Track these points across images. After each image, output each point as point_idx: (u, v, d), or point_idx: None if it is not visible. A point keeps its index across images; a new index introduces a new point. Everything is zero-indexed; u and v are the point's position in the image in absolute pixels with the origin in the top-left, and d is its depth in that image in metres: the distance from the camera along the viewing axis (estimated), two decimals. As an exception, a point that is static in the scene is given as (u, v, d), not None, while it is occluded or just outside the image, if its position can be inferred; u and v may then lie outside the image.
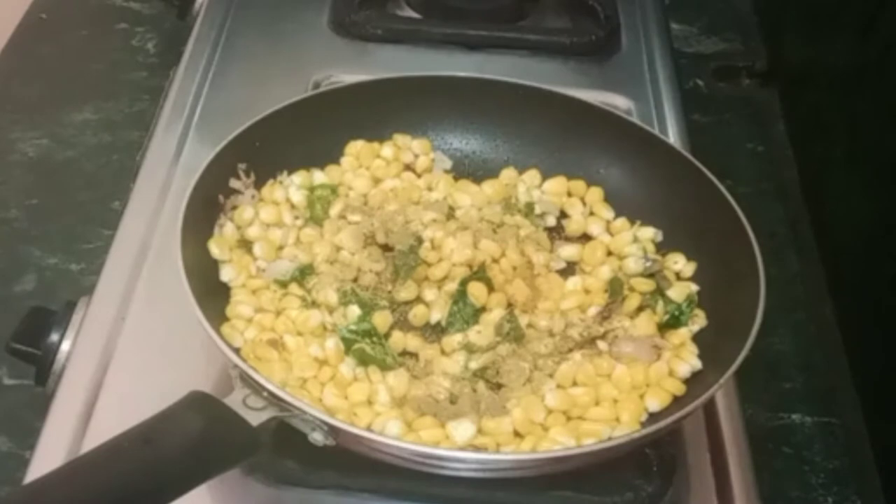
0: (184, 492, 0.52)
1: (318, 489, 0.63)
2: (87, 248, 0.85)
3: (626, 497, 0.64)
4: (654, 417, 0.63)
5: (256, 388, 0.57)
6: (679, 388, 0.64)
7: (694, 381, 0.64)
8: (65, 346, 0.69)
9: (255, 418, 0.56)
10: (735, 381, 0.70)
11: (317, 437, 0.57)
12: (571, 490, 0.64)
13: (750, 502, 0.65)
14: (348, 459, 0.59)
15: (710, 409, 0.69)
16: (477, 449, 0.60)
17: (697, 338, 0.67)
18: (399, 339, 0.67)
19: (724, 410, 0.69)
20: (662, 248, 0.73)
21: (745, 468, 0.66)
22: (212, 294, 0.66)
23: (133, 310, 0.71)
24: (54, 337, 0.70)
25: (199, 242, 0.68)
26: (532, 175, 0.77)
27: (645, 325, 0.67)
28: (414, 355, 0.67)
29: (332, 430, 0.56)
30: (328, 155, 0.77)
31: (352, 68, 0.89)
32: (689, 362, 0.65)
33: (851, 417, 0.79)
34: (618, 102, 0.89)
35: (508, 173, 0.78)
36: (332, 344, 0.64)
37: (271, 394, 0.56)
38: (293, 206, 0.73)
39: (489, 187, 0.77)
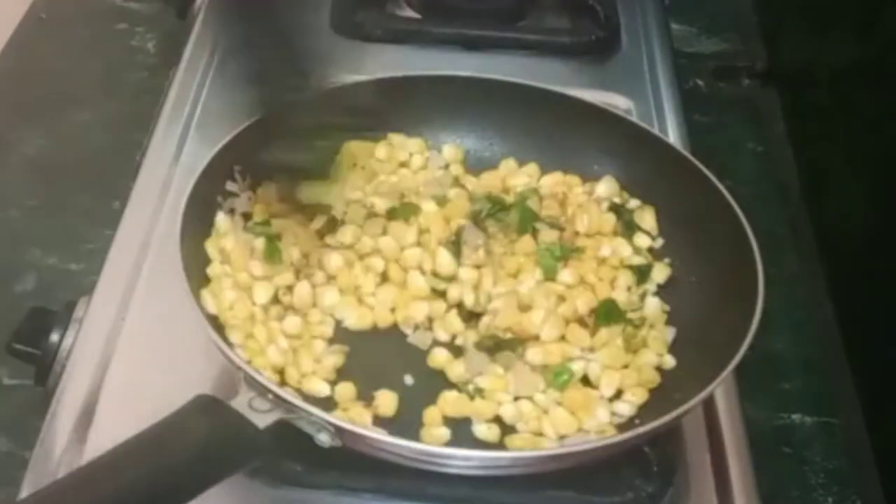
0: (194, 496, 0.52)
1: (320, 489, 0.64)
2: (87, 248, 0.85)
3: (626, 497, 0.64)
4: (651, 415, 0.63)
5: (262, 391, 0.57)
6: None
7: (692, 379, 0.64)
8: (65, 346, 0.69)
9: (261, 420, 0.56)
10: (735, 381, 0.70)
11: (323, 439, 0.57)
12: (571, 490, 0.64)
13: (750, 502, 0.65)
14: (350, 460, 0.59)
15: (710, 409, 0.69)
16: (479, 448, 0.61)
17: (697, 336, 0.67)
18: None
19: (724, 410, 0.69)
20: (662, 252, 0.74)
21: (745, 468, 0.66)
22: None
23: (133, 310, 0.71)
24: (54, 337, 0.70)
25: (199, 244, 0.68)
26: (531, 168, 0.78)
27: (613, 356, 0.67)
28: None
29: (339, 431, 0.56)
30: (326, 155, 0.77)
31: (352, 68, 0.88)
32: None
33: (851, 417, 0.79)
34: (618, 102, 0.89)
35: (508, 164, 0.78)
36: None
37: (277, 396, 0.56)
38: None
39: (489, 178, 0.77)
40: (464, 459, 0.60)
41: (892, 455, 0.74)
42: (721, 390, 0.69)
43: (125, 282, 0.73)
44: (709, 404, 0.69)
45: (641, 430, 0.59)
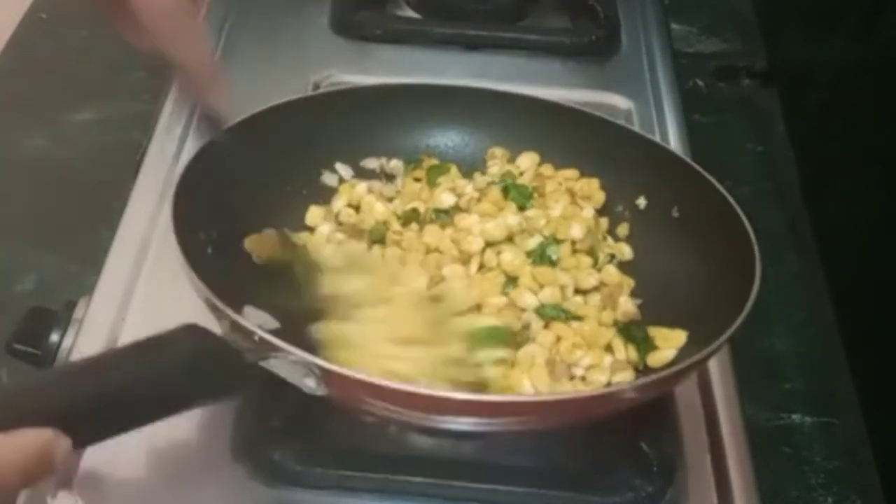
0: (174, 411, 0.53)
1: (320, 489, 0.63)
2: (87, 248, 0.85)
3: (626, 497, 0.64)
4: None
5: (247, 334, 0.56)
6: None
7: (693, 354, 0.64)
8: (65, 346, 0.69)
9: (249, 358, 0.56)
10: (735, 381, 0.70)
11: (310, 384, 0.55)
12: (571, 490, 0.64)
13: (750, 502, 0.65)
14: (350, 460, 0.59)
15: (709, 409, 0.69)
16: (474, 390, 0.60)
17: (695, 336, 0.67)
18: None
19: (724, 410, 0.69)
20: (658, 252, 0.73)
21: (745, 468, 0.66)
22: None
23: (133, 310, 0.71)
24: (54, 337, 0.69)
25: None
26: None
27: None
28: None
29: (324, 374, 0.55)
30: (323, 158, 0.77)
31: (352, 68, 0.89)
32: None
33: (851, 417, 0.79)
34: (618, 103, 0.89)
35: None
36: None
37: (262, 339, 0.55)
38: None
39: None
40: (459, 403, 0.57)
41: (892, 455, 0.74)
42: (721, 390, 0.69)
43: (125, 282, 0.73)
44: (709, 404, 0.69)
45: (639, 382, 0.60)
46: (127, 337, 0.70)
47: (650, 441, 0.65)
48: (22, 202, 0.91)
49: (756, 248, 0.65)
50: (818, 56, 0.97)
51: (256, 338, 0.56)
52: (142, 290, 0.73)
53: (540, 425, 0.61)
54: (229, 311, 0.57)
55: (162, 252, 0.74)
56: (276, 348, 0.55)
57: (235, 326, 0.56)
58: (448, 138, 0.79)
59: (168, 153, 0.82)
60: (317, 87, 0.88)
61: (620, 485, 0.64)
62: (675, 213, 0.73)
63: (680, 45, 1.06)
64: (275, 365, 0.56)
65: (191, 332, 0.55)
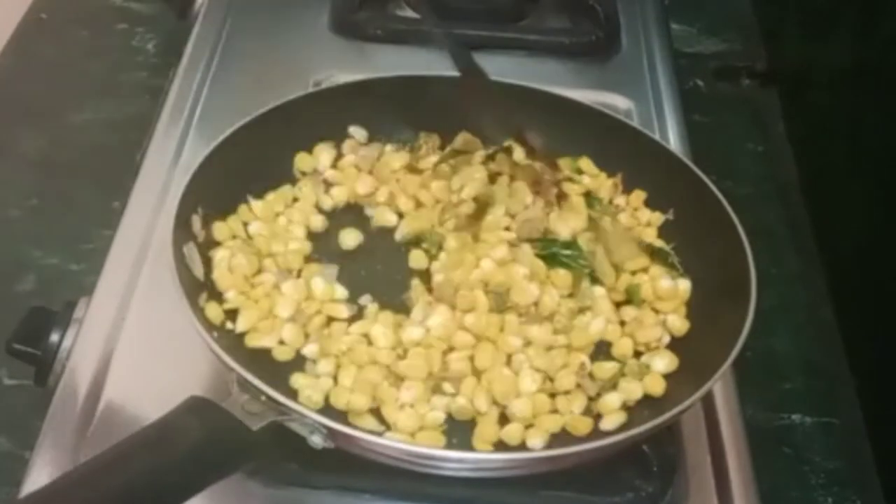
0: (185, 498, 0.52)
1: (319, 490, 0.64)
2: (87, 248, 0.85)
3: (626, 497, 0.64)
4: (646, 415, 0.63)
5: (254, 393, 0.57)
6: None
7: (688, 379, 0.64)
8: (65, 346, 0.69)
9: (254, 422, 0.56)
10: (735, 381, 0.70)
11: (316, 440, 0.57)
12: (571, 490, 0.64)
13: (750, 502, 0.65)
14: (349, 461, 0.59)
15: (710, 409, 0.69)
16: (473, 450, 0.61)
17: (692, 338, 0.67)
18: None
19: (724, 410, 0.69)
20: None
21: (745, 468, 0.66)
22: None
23: (133, 310, 0.71)
24: (54, 337, 0.69)
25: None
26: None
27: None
28: None
29: (331, 433, 0.56)
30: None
31: (352, 68, 0.88)
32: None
33: (851, 417, 0.79)
34: (618, 103, 0.89)
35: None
36: None
37: (269, 398, 0.56)
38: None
39: None
40: (458, 461, 0.60)
41: (892, 455, 0.74)
42: (721, 390, 0.69)
43: (125, 282, 0.73)
44: (709, 404, 0.69)
45: (634, 431, 0.59)
46: (127, 337, 0.70)
47: (650, 441, 0.65)
48: (22, 202, 0.91)
49: (749, 256, 0.65)
50: (818, 56, 0.97)
51: (263, 398, 0.56)
52: (142, 290, 0.73)
53: (539, 471, 0.61)
54: (239, 369, 0.57)
55: (162, 252, 0.73)
56: (283, 408, 0.56)
57: (243, 383, 0.57)
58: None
59: (168, 153, 0.82)
60: (317, 86, 0.88)
61: (620, 485, 0.64)
62: (671, 216, 0.73)
63: (680, 45, 1.06)
64: (282, 420, 0.56)
65: (194, 409, 0.55)
